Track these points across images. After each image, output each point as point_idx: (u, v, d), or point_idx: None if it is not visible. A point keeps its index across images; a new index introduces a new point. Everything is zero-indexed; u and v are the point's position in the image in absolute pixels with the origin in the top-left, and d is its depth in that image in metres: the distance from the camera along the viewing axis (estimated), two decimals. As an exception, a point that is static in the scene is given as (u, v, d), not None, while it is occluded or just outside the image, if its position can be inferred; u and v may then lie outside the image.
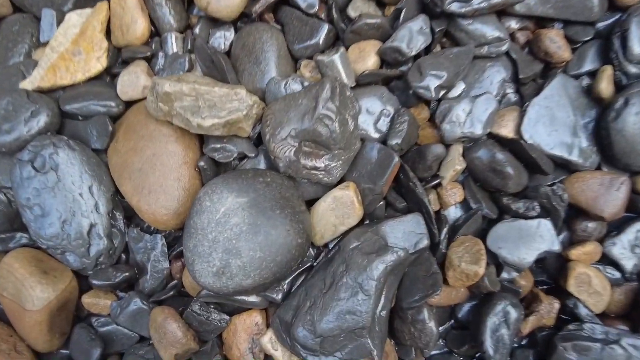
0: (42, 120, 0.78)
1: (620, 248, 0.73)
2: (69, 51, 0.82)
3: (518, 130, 0.72)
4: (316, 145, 0.68)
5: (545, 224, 0.70)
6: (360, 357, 0.64)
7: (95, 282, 0.76)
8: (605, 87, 0.71)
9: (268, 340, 0.71)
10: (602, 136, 0.72)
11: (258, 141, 0.75)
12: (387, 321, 0.68)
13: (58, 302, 0.74)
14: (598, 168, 0.74)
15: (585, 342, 0.67)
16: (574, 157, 0.72)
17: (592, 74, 0.75)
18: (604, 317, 0.73)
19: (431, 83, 0.70)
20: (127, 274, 0.77)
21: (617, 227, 0.74)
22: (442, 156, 0.72)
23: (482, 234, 0.72)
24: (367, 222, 0.74)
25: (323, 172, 0.69)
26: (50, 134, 0.78)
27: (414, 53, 0.73)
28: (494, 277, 0.71)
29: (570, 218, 0.74)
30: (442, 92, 0.71)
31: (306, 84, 0.74)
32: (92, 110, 0.80)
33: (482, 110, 0.72)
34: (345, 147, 0.69)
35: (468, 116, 0.71)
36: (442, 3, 0.71)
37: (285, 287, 0.72)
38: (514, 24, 0.78)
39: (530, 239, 0.70)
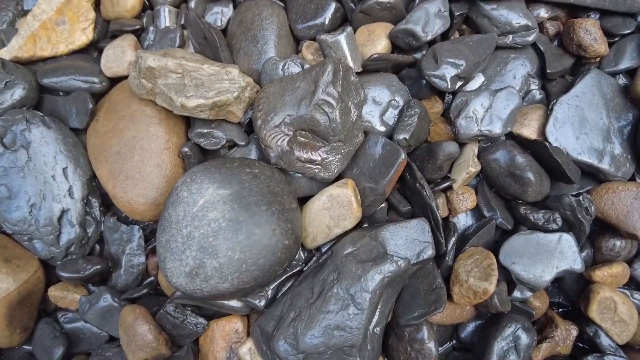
0: (17, 93, 0.75)
1: (652, 271, 0.69)
2: (52, 20, 0.79)
3: (542, 131, 0.69)
4: (313, 136, 0.64)
5: (567, 239, 0.66)
6: (348, 378, 0.61)
7: (62, 273, 0.71)
8: (646, 87, 0.69)
9: (247, 350, 0.66)
10: None
11: (250, 128, 0.71)
12: (381, 339, 0.64)
13: (19, 293, 0.70)
14: (632, 179, 0.70)
15: (607, 376, 0.64)
16: (605, 165, 0.69)
17: (631, 72, 0.72)
18: (628, 349, 0.69)
19: (447, 72, 0.66)
20: (98, 266, 0.72)
21: (649, 247, 0.71)
22: (454, 156, 0.68)
23: (495, 247, 0.69)
24: (366, 225, 0.70)
25: (319, 167, 0.65)
26: (25, 109, 0.75)
27: (429, 38, 0.69)
28: (505, 296, 0.67)
29: (596, 234, 0.71)
30: (458, 84, 0.68)
31: (307, 67, 0.70)
32: (72, 86, 0.77)
33: (503, 107, 0.68)
34: (346, 139, 0.65)
35: (487, 112, 0.68)
36: (464, -18, 0.70)
37: (269, 293, 0.67)
38: (543, 12, 0.74)
39: (549, 255, 0.65)
